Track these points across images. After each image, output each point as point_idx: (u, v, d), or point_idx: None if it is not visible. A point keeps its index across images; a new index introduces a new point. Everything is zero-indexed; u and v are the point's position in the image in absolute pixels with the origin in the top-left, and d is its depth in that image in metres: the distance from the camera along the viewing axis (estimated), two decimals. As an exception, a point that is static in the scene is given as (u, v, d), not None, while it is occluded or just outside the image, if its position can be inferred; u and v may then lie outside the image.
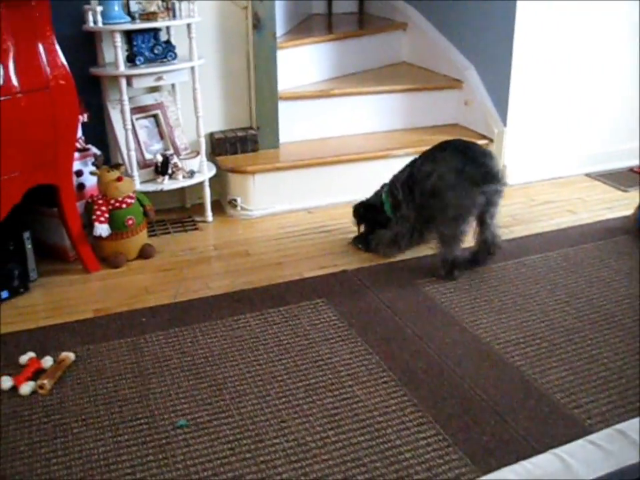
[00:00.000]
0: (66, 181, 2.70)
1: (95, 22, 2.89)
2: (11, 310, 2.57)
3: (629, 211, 3.30)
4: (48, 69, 2.50)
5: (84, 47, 3.06)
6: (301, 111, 3.69)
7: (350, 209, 3.07)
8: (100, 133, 3.21)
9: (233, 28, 3.37)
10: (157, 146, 3.28)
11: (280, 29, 3.75)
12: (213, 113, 3.46)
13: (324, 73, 4.03)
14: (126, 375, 2.15)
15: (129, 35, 2.99)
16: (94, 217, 2.80)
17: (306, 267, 2.87)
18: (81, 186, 2.96)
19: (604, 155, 3.93)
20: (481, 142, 3.48)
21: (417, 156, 2.84)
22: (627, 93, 3.85)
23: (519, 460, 1.45)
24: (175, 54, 3.09)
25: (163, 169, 3.14)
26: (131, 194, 2.91)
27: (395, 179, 2.89)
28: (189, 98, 3.22)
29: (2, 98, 2.37)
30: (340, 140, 3.75)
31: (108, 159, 3.17)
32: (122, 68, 2.94)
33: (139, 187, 3.08)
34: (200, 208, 3.40)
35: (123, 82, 2.97)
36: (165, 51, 3.06)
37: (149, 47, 3.02)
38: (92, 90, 3.11)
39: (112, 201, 2.85)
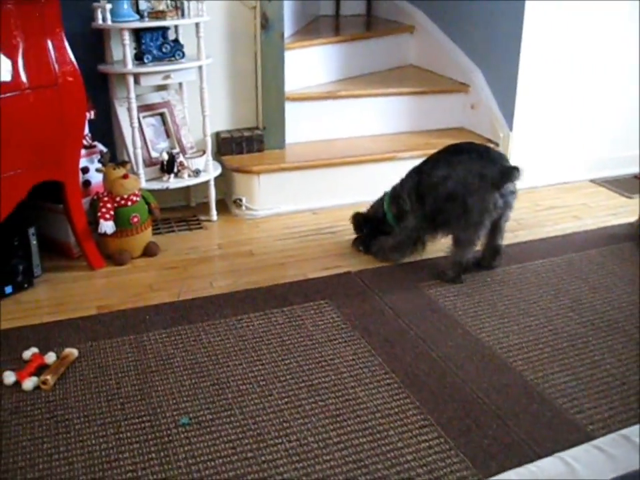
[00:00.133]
0: (72, 177, 2.71)
1: (104, 20, 2.90)
2: (14, 305, 2.57)
3: (634, 218, 3.30)
4: (56, 66, 2.51)
5: (92, 45, 3.07)
6: (307, 111, 3.69)
7: (354, 211, 3.06)
8: (106, 130, 3.22)
9: (241, 28, 3.38)
10: (163, 144, 3.28)
11: (288, 30, 3.76)
12: (220, 112, 3.47)
13: (331, 75, 4.03)
14: (129, 372, 2.15)
15: (137, 33, 3.00)
16: (99, 213, 2.80)
17: (310, 268, 2.87)
18: (87, 183, 2.96)
19: (609, 161, 3.93)
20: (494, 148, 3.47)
21: (418, 163, 2.80)
22: (633, 99, 3.85)
23: (520, 464, 1.46)
24: (183, 53, 3.10)
25: (168, 167, 3.15)
26: (137, 192, 2.92)
27: (399, 188, 2.85)
28: (196, 97, 3.22)
29: (10, 94, 2.38)
30: (346, 141, 3.76)
31: (114, 157, 3.18)
32: (130, 66, 2.95)
33: (144, 184, 3.09)
34: (205, 207, 3.41)
35: (131, 80, 2.97)
36: (173, 50, 3.06)
37: (157, 45, 3.03)
38: (99, 87, 3.12)
39: (117, 199, 2.85)
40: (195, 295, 2.64)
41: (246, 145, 3.49)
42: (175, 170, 3.17)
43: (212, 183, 3.30)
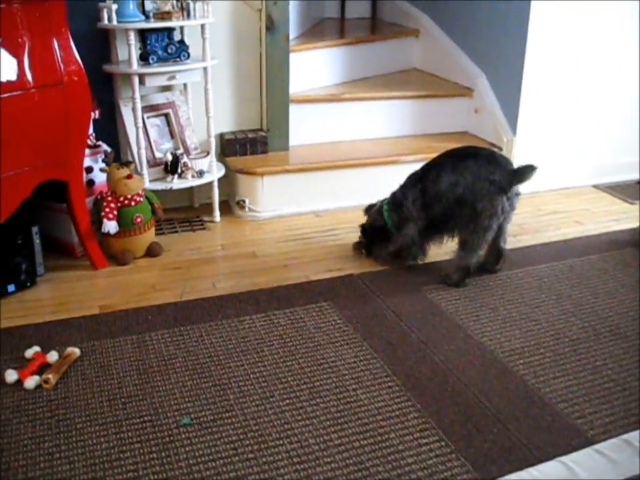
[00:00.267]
0: (76, 177, 2.71)
1: (110, 20, 2.90)
2: (17, 304, 2.58)
3: (636, 224, 3.30)
4: (62, 65, 2.51)
5: (98, 44, 3.07)
6: (311, 114, 3.70)
7: (357, 214, 3.06)
8: (111, 130, 3.22)
9: (246, 29, 3.38)
10: (167, 145, 3.29)
11: (293, 32, 3.76)
12: (224, 113, 3.47)
13: (335, 77, 4.04)
14: (130, 372, 2.15)
15: (142, 34, 3.00)
16: (102, 213, 2.81)
17: (312, 270, 2.88)
18: (91, 182, 2.97)
19: (612, 167, 3.94)
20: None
21: (417, 169, 2.78)
22: (636, 106, 3.85)
23: (521, 468, 1.46)
24: (188, 54, 3.10)
25: (172, 167, 3.15)
26: (140, 192, 2.92)
27: (401, 196, 2.80)
28: (201, 98, 3.23)
29: (15, 93, 2.39)
30: (349, 144, 3.76)
31: (118, 157, 3.18)
32: (135, 66, 2.95)
33: (148, 185, 3.10)
34: (208, 208, 3.41)
35: (136, 80, 2.98)
36: (178, 51, 3.07)
37: (163, 46, 3.03)
38: (104, 87, 3.12)
39: (121, 198, 2.86)
40: (198, 295, 2.65)
41: (250, 146, 3.49)
42: (179, 171, 3.17)
43: (215, 184, 3.31)
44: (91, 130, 2.95)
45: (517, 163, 3.60)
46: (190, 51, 3.12)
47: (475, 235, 2.63)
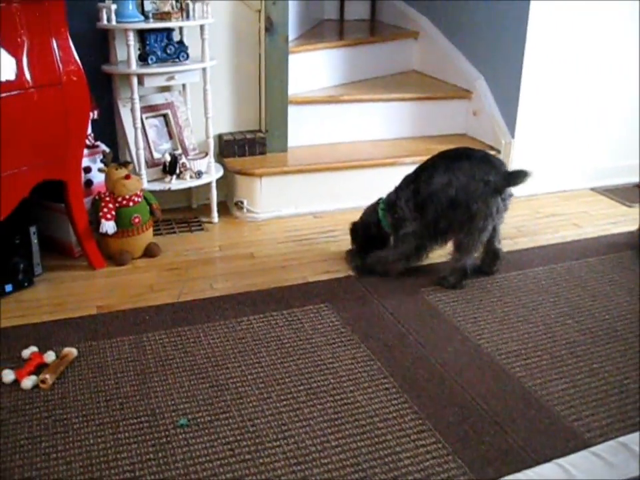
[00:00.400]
0: (74, 176, 2.71)
1: (109, 20, 2.90)
2: (14, 303, 2.58)
3: (634, 227, 3.30)
4: (61, 65, 2.51)
5: (97, 45, 3.07)
6: (310, 115, 3.70)
7: (355, 215, 3.02)
8: (109, 130, 3.22)
9: (245, 30, 3.39)
10: (166, 145, 3.29)
11: (292, 34, 3.77)
12: (223, 114, 3.47)
13: (334, 79, 4.04)
14: (128, 373, 2.15)
15: (142, 34, 3.00)
16: (100, 213, 2.81)
17: (310, 271, 2.88)
18: (89, 182, 2.97)
19: (610, 170, 3.94)
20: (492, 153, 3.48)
21: (411, 171, 2.78)
22: (635, 109, 3.85)
23: (517, 470, 1.46)
24: (187, 54, 3.10)
25: (170, 168, 3.15)
26: (138, 192, 2.92)
27: (395, 197, 2.79)
28: (199, 98, 3.23)
29: (14, 92, 2.38)
30: (348, 146, 3.76)
31: (116, 157, 3.19)
32: (134, 66, 2.95)
33: (146, 185, 3.10)
34: (206, 209, 3.41)
35: (135, 80, 2.98)
36: (177, 51, 3.07)
37: (162, 46, 3.03)
38: (103, 87, 3.12)
39: (119, 199, 2.86)
40: (195, 296, 2.65)
41: (248, 147, 3.49)
42: (177, 171, 3.17)
43: (214, 184, 3.31)
44: (89, 130, 2.94)
45: (515, 165, 3.62)
46: (189, 51, 3.12)
47: (470, 236, 2.63)
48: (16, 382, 2.08)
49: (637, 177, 3.97)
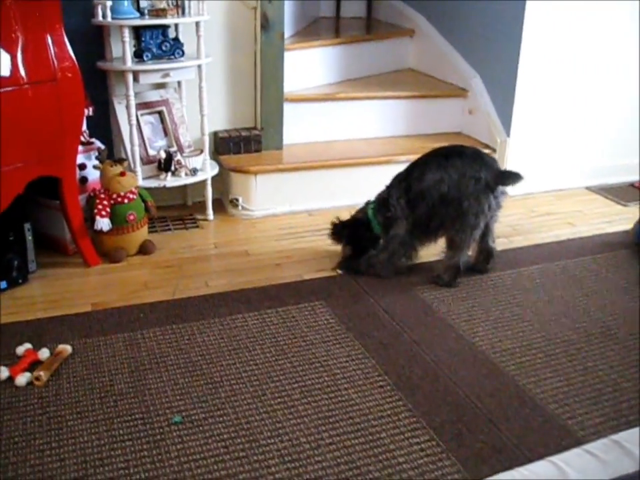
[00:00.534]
0: (69, 173, 2.71)
1: (104, 16, 2.90)
2: (9, 300, 2.57)
3: (628, 226, 3.31)
4: (56, 61, 2.51)
5: (92, 41, 3.07)
6: (305, 113, 3.70)
7: (350, 213, 2.97)
8: (104, 127, 3.22)
9: (241, 28, 3.38)
10: (161, 142, 3.28)
11: (288, 31, 3.76)
12: (218, 111, 3.47)
13: (330, 76, 4.04)
14: (122, 370, 2.15)
15: (137, 31, 3.00)
16: (95, 210, 2.80)
17: (305, 269, 2.88)
18: (84, 179, 2.96)
19: (605, 169, 3.95)
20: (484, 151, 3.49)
21: (402, 169, 2.77)
22: (630, 108, 3.86)
23: (511, 468, 1.46)
24: (183, 51, 3.10)
25: (165, 165, 3.15)
26: (133, 189, 2.92)
27: (386, 195, 2.77)
28: (195, 96, 3.22)
29: (9, 88, 2.38)
30: (343, 144, 3.76)
31: (111, 154, 3.17)
32: (129, 63, 2.95)
33: (141, 182, 3.09)
34: (201, 206, 3.41)
35: (130, 77, 2.97)
36: (173, 48, 3.06)
37: (157, 43, 3.03)
38: (98, 84, 3.12)
39: (114, 196, 2.85)
40: (190, 293, 2.64)
41: (244, 144, 3.49)
42: (172, 168, 3.17)
43: (209, 182, 3.31)
44: (84, 127, 2.94)
45: (510, 164, 3.63)
46: (184, 48, 3.11)
47: (462, 233, 2.64)
48: (10, 379, 2.08)
49: (631, 175, 3.97)
